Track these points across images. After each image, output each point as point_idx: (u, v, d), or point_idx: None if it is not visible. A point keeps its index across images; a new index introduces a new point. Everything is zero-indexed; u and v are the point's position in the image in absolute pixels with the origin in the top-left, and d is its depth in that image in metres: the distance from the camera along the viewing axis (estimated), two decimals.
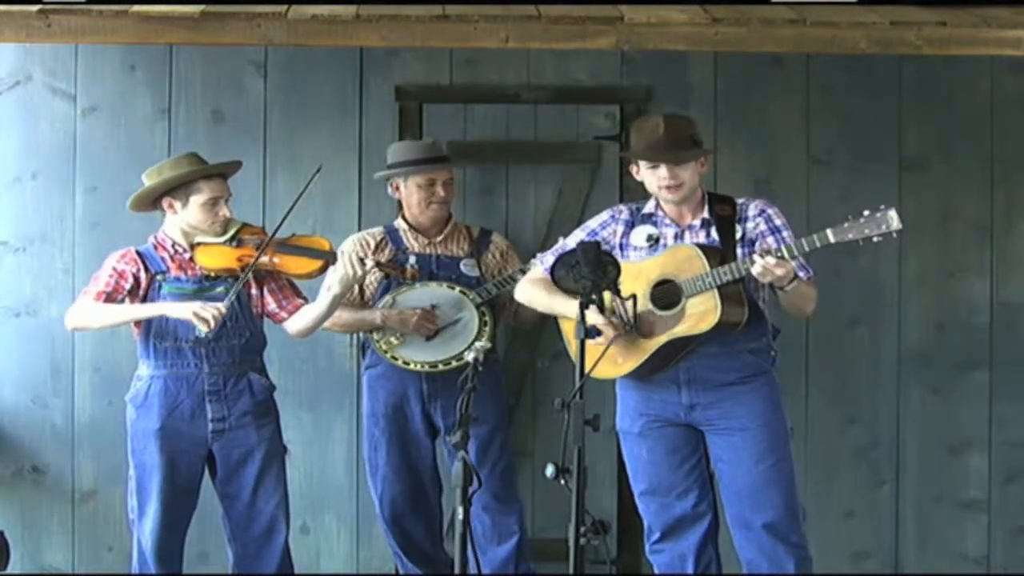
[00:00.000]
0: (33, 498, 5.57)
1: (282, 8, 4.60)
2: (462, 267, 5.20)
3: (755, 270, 4.24)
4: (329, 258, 4.72)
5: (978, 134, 5.60)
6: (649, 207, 4.58)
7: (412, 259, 5.09)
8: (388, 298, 5.09)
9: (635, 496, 4.64)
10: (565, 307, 4.45)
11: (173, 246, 4.73)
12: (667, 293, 4.42)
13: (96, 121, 5.56)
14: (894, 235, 4.16)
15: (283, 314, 4.78)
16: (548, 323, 5.14)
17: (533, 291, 4.65)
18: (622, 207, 4.67)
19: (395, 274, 4.94)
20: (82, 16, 4.58)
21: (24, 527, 5.54)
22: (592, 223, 4.66)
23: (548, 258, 4.63)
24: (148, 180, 4.71)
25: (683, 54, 5.47)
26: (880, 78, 5.57)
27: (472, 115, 5.60)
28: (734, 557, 4.58)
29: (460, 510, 3.83)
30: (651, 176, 4.49)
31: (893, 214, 4.14)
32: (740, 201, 4.55)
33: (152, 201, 4.74)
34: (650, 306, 4.43)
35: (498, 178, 5.62)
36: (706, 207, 4.52)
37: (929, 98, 5.61)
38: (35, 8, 4.56)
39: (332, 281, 4.67)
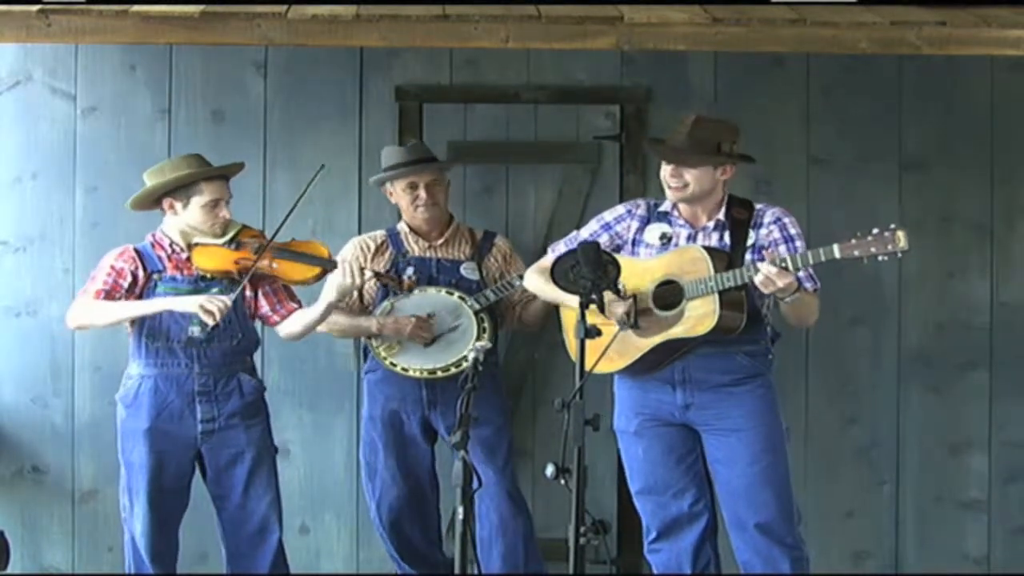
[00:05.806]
0: (33, 498, 5.57)
1: (282, 8, 4.60)
2: (462, 271, 5.17)
3: (757, 279, 4.22)
4: (327, 265, 4.70)
5: (978, 134, 5.59)
6: (666, 205, 4.57)
7: (410, 270, 5.01)
8: (386, 304, 5.07)
9: (632, 495, 4.64)
10: (573, 297, 4.42)
11: (171, 245, 4.73)
12: (669, 293, 4.41)
13: (96, 121, 5.56)
14: (899, 255, 4.12)
15: (276, 318, 4.78)
16: (549, 325, 5.13)
17: (542, 280, 4.59)
18: (640, 202, 4.66)
19: (392, 285, 4.91)
20: (82, 16, 4.58)
21: (24, 527, 5.54)
22: (607, 216, 4.65)
23: (560, 247, 4.61)
24: (149, 180, 4.72)
25: (683, 54, 5.46)
26: (880, 78, 5.57)
27: (472, 115, 5.59)
28: (734, 558, 4.58)
29: (460, 510, 3.84)
30: (663, 170, 4.50)
31: (901, 235, 4.08)
32: (759, 207, 4.53)
33: (153, 201, 4.74)
34: (650, 305, 4.43)
35: (498, 178, 5.61)
36: (723, 210, 4.51)
37: (929, 98, 5.60)
38: (35, 8, 4.56)
39: (329, 287, 4.67)
